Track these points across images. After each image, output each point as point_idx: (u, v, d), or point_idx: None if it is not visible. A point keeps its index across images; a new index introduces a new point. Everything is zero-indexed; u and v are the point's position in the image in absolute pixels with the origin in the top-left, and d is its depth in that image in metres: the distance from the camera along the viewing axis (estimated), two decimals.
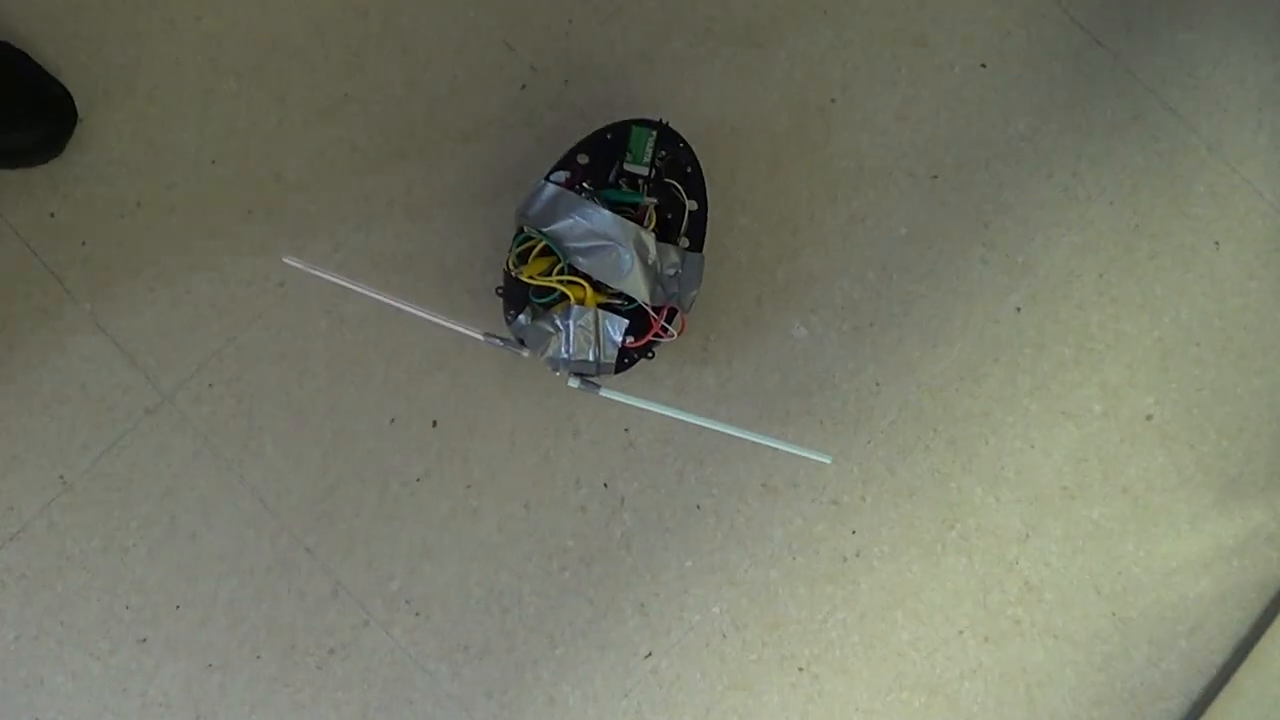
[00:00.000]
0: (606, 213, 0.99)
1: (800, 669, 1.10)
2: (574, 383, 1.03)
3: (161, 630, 1.09)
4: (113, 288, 1.13)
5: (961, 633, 1.12)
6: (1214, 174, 1.21)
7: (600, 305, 1.01)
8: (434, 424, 1.12)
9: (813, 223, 1.17)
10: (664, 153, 1.04)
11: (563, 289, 1.00)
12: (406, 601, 1.09)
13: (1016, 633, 1.12)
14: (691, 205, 1.04)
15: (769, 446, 1.08)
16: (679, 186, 1.04)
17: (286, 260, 1.05)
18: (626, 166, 1.03)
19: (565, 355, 1.00)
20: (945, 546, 1.13)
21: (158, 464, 1.11)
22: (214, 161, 1.16)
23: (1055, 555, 1.14)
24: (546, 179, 1.02)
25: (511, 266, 1.00)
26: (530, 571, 1.10)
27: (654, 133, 1.04)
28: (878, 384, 1.15)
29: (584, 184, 1.01)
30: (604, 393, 1.04)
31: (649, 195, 1.03)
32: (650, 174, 1.03)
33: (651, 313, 1.01)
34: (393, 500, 1.11)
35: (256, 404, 1.12)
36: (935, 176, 1.19)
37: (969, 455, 1.14)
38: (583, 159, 1.04)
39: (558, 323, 1.00)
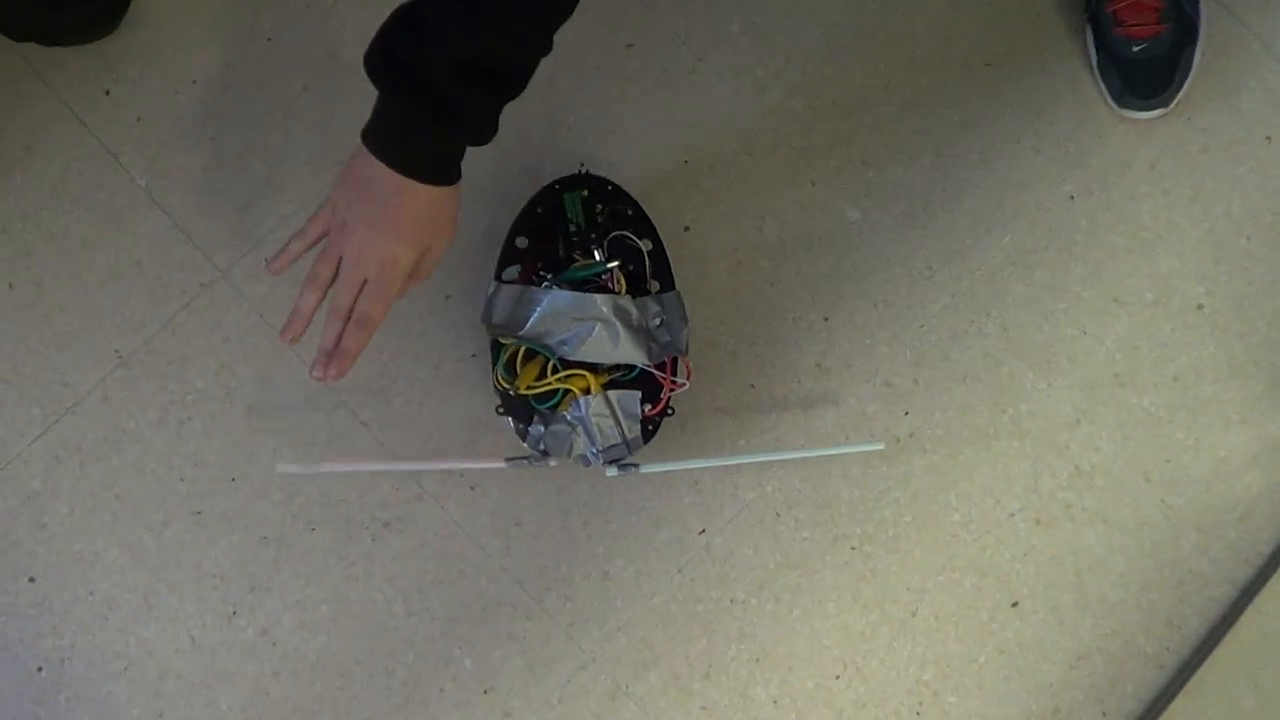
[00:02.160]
0: (573, 294, 0.97)
1: (852, 548, 1.12)
2: (612, 472, 1.00)
3: (216, 503, 1.10)
4: (168, 165, 1.15)
5: (1013, 515, 1.14)
6: (1266, 70, 1.22)
7: (605, 385, 0.98)
8: None
9: (866, 108, 1.19)
10: (600, 205, 1.02)
11: (564, 386, 0.98)
12: (460, 475, 1.11)
13: (1067, 517, 1.14)
14: (646, 245, 1.02)
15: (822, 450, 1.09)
16: (628, 234, 1.02)
17: (281, 468, 1.05)
18: (573, 237, 1.01)
19: (593, 449, 0.98)
20: (997, 430, 1.15)
21: (213, 339, 1.13)
22: (270, 40, 1.17)
23: (1106, 441, 1.15)
24: (499, 278, 0.99)
25: (504, 383, 0.98)
26: (576, 470, 1.11)
27: (584, 191, 1.02)
28: (930, 268, 1.17)
29: (539, 272, 1.00)
30: (645, 469, 1.02)
31: (606, 257, 1.00)
32: (597, 235, 1.01)
33: (657, 373, 0.99)
34: (447, 377, 1.13)
35: None
36: (989, 65, 1.20)
37: (1021, 341, 1.16)
38: (522, 242, 1.02)
39: (571, 420, 0.98)
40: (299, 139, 1.15)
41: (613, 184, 1.03)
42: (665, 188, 1.15)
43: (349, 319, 0.88)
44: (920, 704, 1.09)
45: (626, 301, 0.98)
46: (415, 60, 0.80)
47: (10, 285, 1.12)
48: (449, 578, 1.09)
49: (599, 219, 1.02)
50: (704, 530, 1.10)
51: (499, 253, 1.01)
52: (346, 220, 0.87)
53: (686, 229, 1.15)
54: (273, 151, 1.14)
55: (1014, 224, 1.17)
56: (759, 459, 1.09)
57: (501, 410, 1.00)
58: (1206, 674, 1.12)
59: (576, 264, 1.00)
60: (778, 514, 1.11)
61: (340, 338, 0.89)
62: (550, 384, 0.98)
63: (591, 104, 1.17)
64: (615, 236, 1.02)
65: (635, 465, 1.01)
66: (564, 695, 1.08)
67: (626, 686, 1.08)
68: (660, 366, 0.99)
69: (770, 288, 1.14)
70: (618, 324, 0.97)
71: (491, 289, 0.99)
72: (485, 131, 0.85)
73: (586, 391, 0.97)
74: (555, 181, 1.03)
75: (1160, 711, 1.12)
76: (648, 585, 1.09)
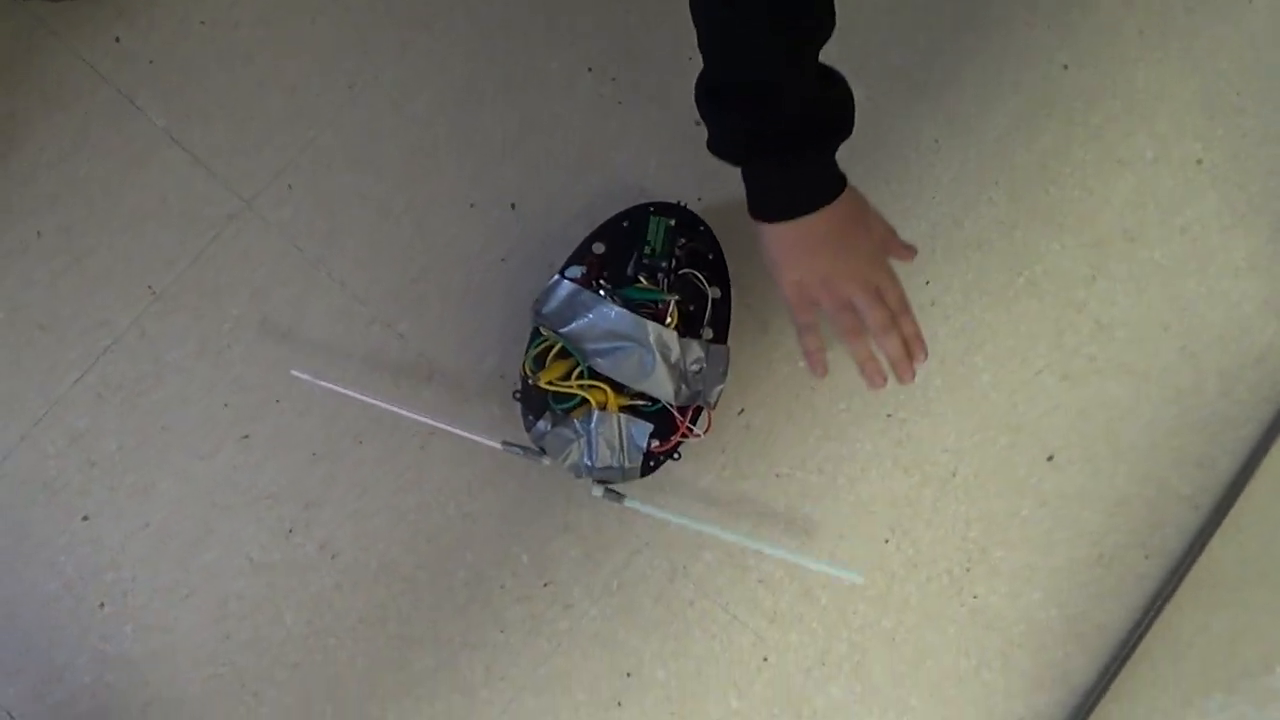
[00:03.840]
0: (626, 312, 0.97)
1: (888, 415, 1.16)
2: (597, 491, 1.00)
3: (263, 425, 1.13)
4: (184, 104, 1.17)
5: (1039, 373, 1.18)
6: None
7: (622, 407, 0.98)
8: (513, 206, 1.17)
9: None
10: (683, 240, 1.01)
11: (583, 394, 0.98)
12: (501, 377, 1.14)
13: (1092, 370, 1.18)
14: (714, 293, 1.01)
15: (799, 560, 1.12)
16: (699, 276, 1.02)
17: (295, 373, 1.05)
18: (645, 259, 1.01)
19: (588, 463, 0.98)
20: (1016, 292, 1.19)
21: (244, 268, 1.15)
22: None
23: (1122, 295, 1.20)
24: (562, 274, 1.00)
25: (529, 372, 0.98)
26: None
27: (672, 221, 1.01)
28: (937, 141, 1.21)
29: (601, 280, 0.99)
30: (629, 503, 1.02)
31: (669, 289, 1.00)
32: (670, 265, 1.01)
33: (677, 414, 0.99)
34: (479, 282, 1.16)
35: (337, 202, 1.16)
36: None
37: (1030, 205, 1.20)
38: (598, 248, 1.02)
39: (578, 428, 0.98)
40: (312, 69, 1.17)
41: (705, 225, 1.03)
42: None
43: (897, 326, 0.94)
44: (969, 560, 1.13)
45: (671, 337, 0.97)
46: (759, 120, 0.86)
47: (39, 233, 1.14)
48: (499, 479, 1.12)
49: (677, 251, 1.01)
50: (742, 410, 1.14)
51: (573, 250, 1.03)
52: (827, 277, 0.93)
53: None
54: (287, 83, 1.17)
55: (1014, 96, 1.21)
56: (744, 541, 1.10)
57: (518, 396, 1.00)
58: (1241, 510, 1.16)
59: (638, 285, 1.00)
60: (813, 387, 1.15)
61: (903, 342, 0.96)
62: (571, 387, 0.98)
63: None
64: (686, 273, 1.01)
65: (620, 496, 1.02)
66: (622, 581, 1.11)
67: (684, 567, 1.11)
68: (684, 410, 0.99)
69: None
70: (657, 355, 0.96)
71: (552, 281, 0.99)
72: (842, 123, 0.91)
73: (603, 406, 0.98)
74: (651, 204, 1.03)
75: (1200, 549, 1.15)
76: (690, 468, 1.12)
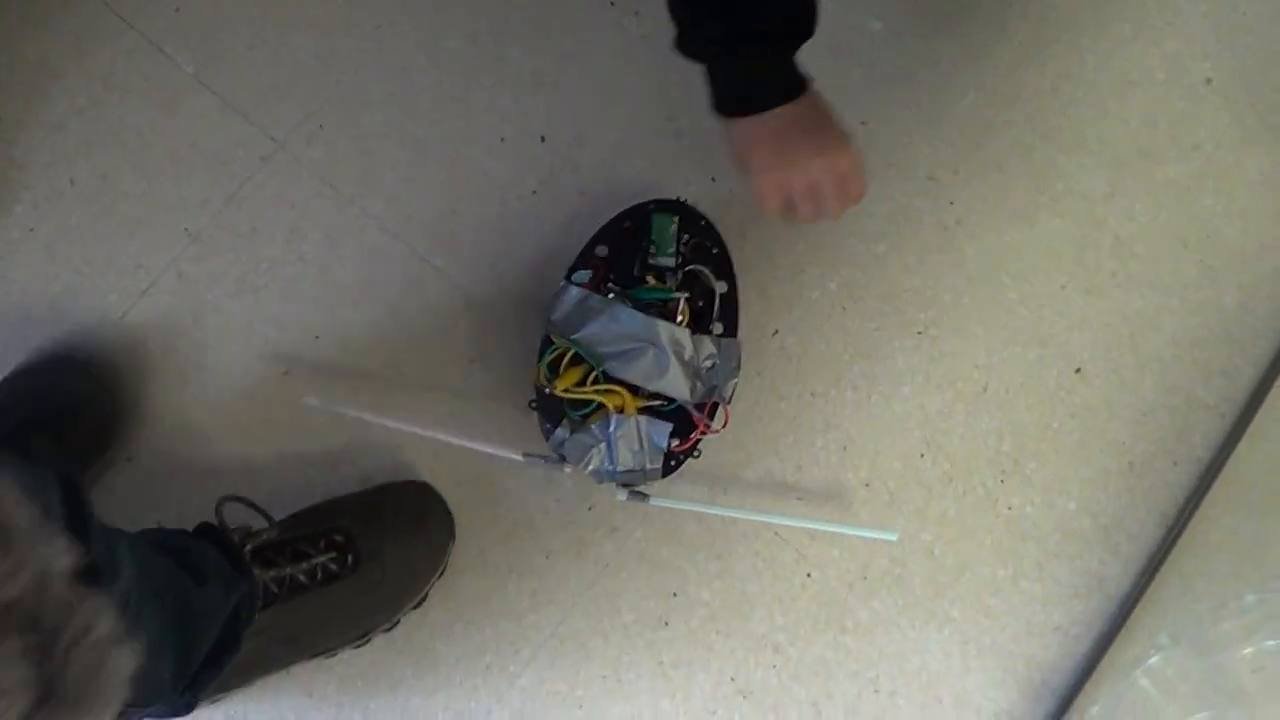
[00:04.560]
0: (637, 314, 0.97)
1: (919, 332, 1.18)
2: (621, 495, 1.01)
3: (304, 359, 1.14)
4: (213, 49, 1.18)
5: (1064, 288, 1.20)
6: None
7: (640, 409, 0.97)
8: (543, 139, 1.19)
9: None
10: (687, 236, 1.01)
11: (600, 399, 0.97)
12: (537, 305, 1.16)
13: (1114, 285, 1.21)
14: (721, 287, 1.01)
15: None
16: (705, 271, 1.01)
17: (307, 401, 1.03)
18: (651, 260, 1.00)
19: (610, 468, 0.97)
20: (1038, 210, 1.22)
21: (279, 208, 1.17)
22: None
23: (1141, 212, 1.23)
24: (568, 279, 1.00)
25: (544, 380, 0.97)
26: None
27: (675, 217, 1.01)
28: (954, 66, 1.24)
29: (609, 282, 0.99)
30: (654, 502, 1.02)
31: (677, 286, 1.00)
32: (676, 263, 1.00)
33: (694, 412, 0.99)
34: (512, 214, 1.18)
35: (369, 140, 1.18)
36: None
37: (1047, 128, 1.23)
38: (602, 251, 1.01)
39: (597, 433, 0.97)
40: (339, 10, 1.19)
41: (706, 220, 1.03)
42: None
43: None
44: (1003, 472, 1.15)
45: (684, 335, 0.97)
46: (730, 18, 0.90)
47: (71, 181, 1.15)
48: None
49: (681, 249, 1.01)
50: (777, 331, 1.16)
51: (577, 253, 1.02)
52: (791, 168, 0.96)
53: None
54: (316, 25, 1.18)
55: (1024, 23, 1.24)
56: (777, 520, 1.12)
57: (534, 405, 0.99)
58: (1265, 417, 1.19)
59: (646, 285, 0.99)
60: (843, 308, 1.17)
61: None
62: (587, 393, 0.97)
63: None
64: (692, 270, 1.01)
65: (645, 496, 1.02)
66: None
67: (724, 488, 1.13)
68: (700, 406, 0.99)
69: None
70: (670, 354, 0.96)
71: (560, 287, 0.99)
72: (809, 23, 0.94)
73: (620, 410, 0.97)
74: (652, 202, 1.02)
75: (1227, 456, 1.18)
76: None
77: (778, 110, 0.93)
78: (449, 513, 1.05)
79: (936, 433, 1.13)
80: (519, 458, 0.98)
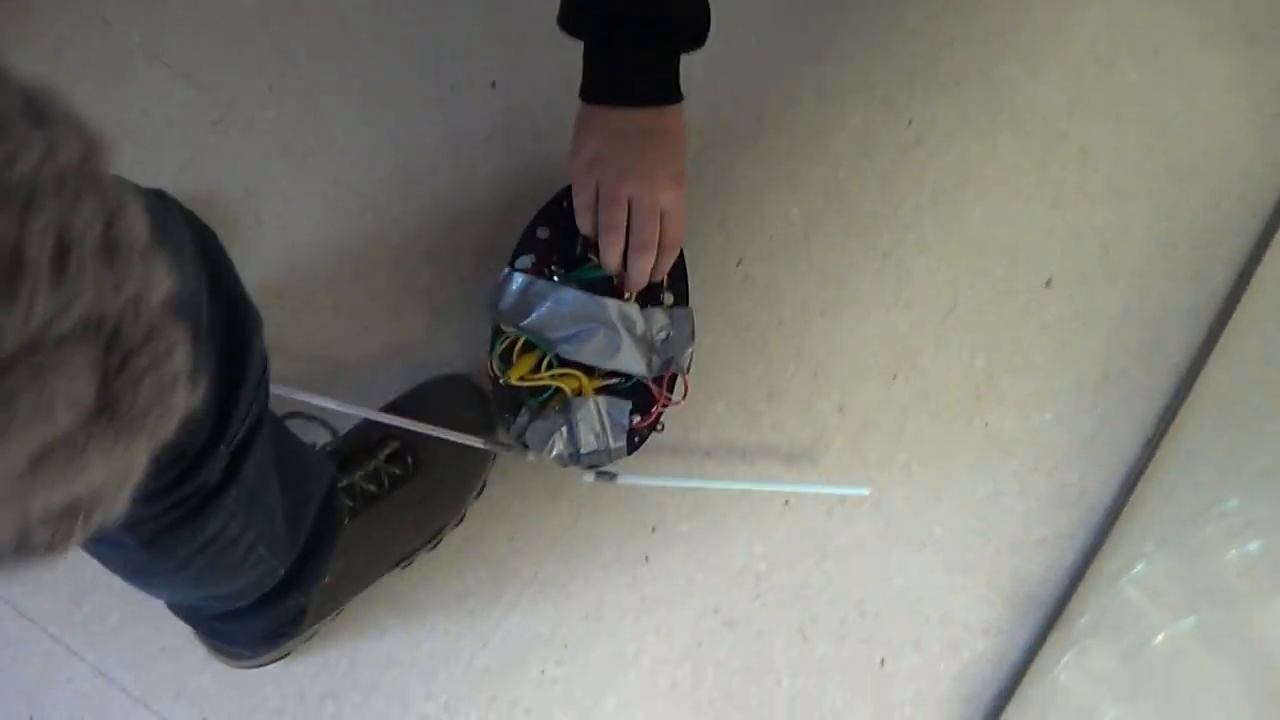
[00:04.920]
0: (582, 294, 0.95)
1: (884, 255, 1.17)
2: (588, 478, 0.99)
3: (269, 321, 1.14)
4: (157, 17, 1.17)
5: (1029, 201, 1.19)
6: None
7: (598, 389, 0.96)
8: (493, 85, 1.18)
9: None
10: None
11: (556, 384, 0.96)
12: (499, 252, 1.15)
13: (1079, 196, 1.19)
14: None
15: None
16: None
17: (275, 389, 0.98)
18: (590, 237, 0.97)
19: (573, 450, 0.95)
20: (998, 126, 1.20)
21: (234, 170, 1.16)
22: None
23: (1102, 120, 1.21)
24: (512, 266, 0.98)
25: (497, 371, 0.96)
26: None
27: None
28: None
29: (552, 266, 0.97)
30: (622, 480, 1.00)
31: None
32: None
33: (653, 386, 0.97)
34: (467, 161, 1.17)
35: (318, 98, 1.17)
36: None
37: (1003, 43, 1.21)
38: (543, 233, 0.99)
39: (558, 418, 0.95)
40: None
41: None
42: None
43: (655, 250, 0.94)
44: (978, 389, 1.14)
45: (633, 310, 0.95)
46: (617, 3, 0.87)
47: None
48: None
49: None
50: (740, 261, 1.15)
51: (518, 238, 1.00)
52: (619, 168, 0.92)
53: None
54: None
55: None
56: (747, 486, 1.10)
57: (491, 396, 0.97)
58: (1239, 321, 1.18)
59: (589, 263, 0.97)
60: (808, 235, 1.16)
61: (654, 270, 0.96)
62: (543, 379, 0.95)
63: None
64: None
65: (612, 475, 0.99)
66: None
67: (696, 422, 1.12)
68: (659, 379, 0.97)
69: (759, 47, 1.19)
70: (621, 331, 0.94)
71: (503, 275, 0.97)
72: (698, 29, 0.91)
73: (578, 392, 0.95)
74: None
75: (1203, 361, 1.17)
76: (697, 322, 1.13)
77: (636, 112, 0.91)
78: (486, 397, 1.04)
79: (908, 353, 1.12)
80: (480, 444, 0.94)
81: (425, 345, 1.10)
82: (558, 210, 0.99)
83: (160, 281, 0.39)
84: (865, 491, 1.08)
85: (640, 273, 0.95)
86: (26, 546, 0.37)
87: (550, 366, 0.95)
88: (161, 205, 0.61)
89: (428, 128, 1.13)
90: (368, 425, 1.01)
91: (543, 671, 1.04)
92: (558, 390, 0.95)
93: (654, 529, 1.08)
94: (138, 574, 0.71)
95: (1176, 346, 1.15)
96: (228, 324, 0.64)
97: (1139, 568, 1.02)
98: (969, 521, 1.09)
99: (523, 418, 0.95)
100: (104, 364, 0.36)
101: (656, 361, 0.96)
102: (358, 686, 1.03)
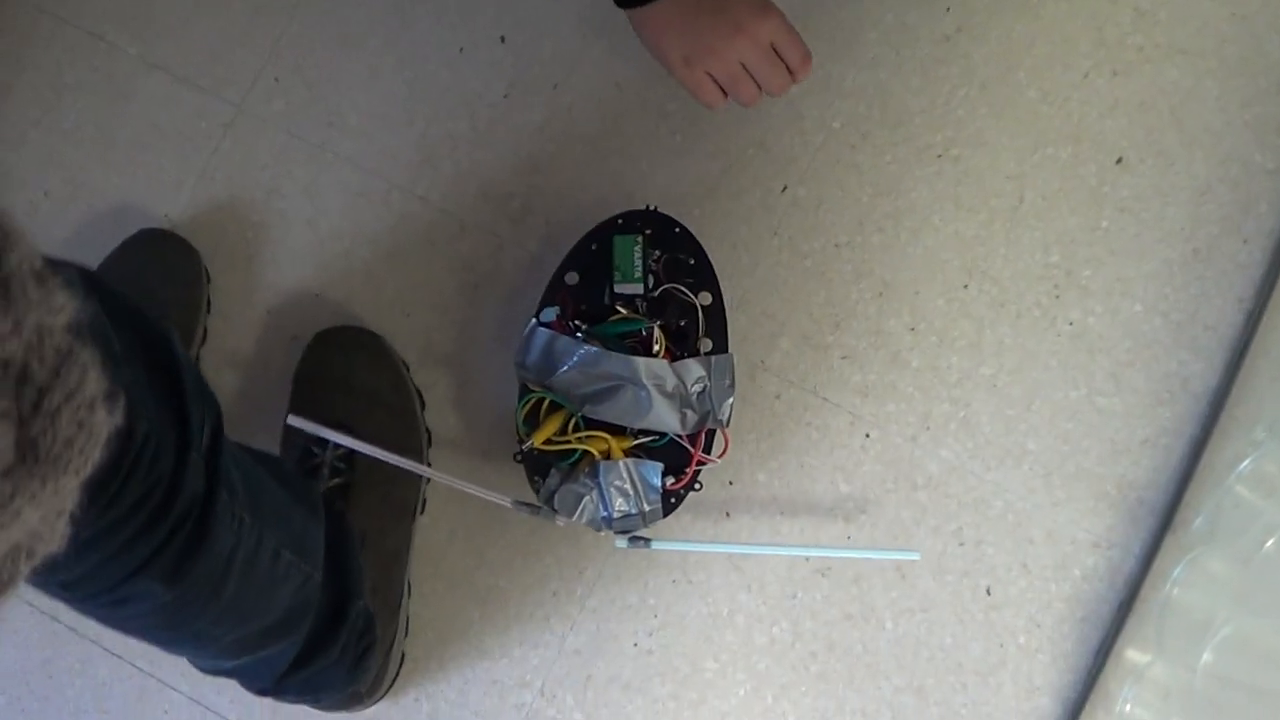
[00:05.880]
0: (607, 353, 0.87)
1: (938, 156, 1.08)
2: (621, 543, 0.92)
3: (308, 321, 1.09)
4: (152, 27, 1.13)
5: (1087, 75, 1.08)
6: None
7: (628, 450, 0.89)
8: (502, 39, 1.11)
9: None
10: (658, 253, 0.92)
11: (582, 447, 0.89)
12: (532, 214, 1.08)
13: (1142, 59, 1.09)
14: (703, 300, 0.91)
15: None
16: (682, 289, 0.92)
17: (291, 421, 0.89)
18: (617, 288, 0.91)
19: (604, 515, 0.88)
20: None
21: (252, 170, 1.11)
22: None
23: None
24: (537, 318, 0.91)
25: (522, 434, 0.90)
26: (641, 147, 1.07)
27: (638, 239, 0.92)
28: None
29: (577, 319, 0.91)
30: (656, 545, 0.93)
31: (650, 312, 0.91)
32: (646, 286, 0.92)
33: (687, 445, 0.90)
34: (485, 124, 1.10)
35: (325, 82, 1.11)
36: None
37: None
38: (572, 278, 0.93)
39: (588, 481, 0.89)
40: None
41: (681, 226, 0.93)
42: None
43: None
44: (1056, 287, 1.05)
45: (662, 367, 0.88)
46: None
47: (46, 193, 1.11)
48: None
49: (652, 267, 0.92)
50: (785, 186, 1.07)
51: (546, 283, 0.94)
52: (711, 48, 0.87)
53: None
54: None
55: None
56: (790, 552, 1.02)
57: (519, 459, 0.91)
58: None
59: (615, 317, 0.91)
60: (853, 146, 1.07)
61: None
62: (569, 443, 0.89)
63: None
64: (668, 289, 0.92)
65: (646, 541, 0.92)
66: None
67: (762, 361, 1.05)
68: (694, 438, 0.90)
69: None
70: (650, 389, 0.87)
71: (528, 330, 0.91)
72: None
73: (606, 455, 0.89)
74: (619, 215, 0.93)
75: None
76: (748, 257, 1.06)
77: None
78: (368, 330, 1.03)
79: (977, 259, 1.04)
80: (508, 504, 0.86)
81: (471, 321, 1.05)
82: (585, 254, 0.92)
83: (62, 306, 0.37)
84: (917, 556, 1.01)
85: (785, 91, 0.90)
86: None
87: (578, 428, 0.88)
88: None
89: (441, 94, 1.07)
90: (291, 430, 0.95)
91: (635, 644, 0.99)
92: (585, 454, 0.89)
93: (730, 482, 1.02)
94: (174, 622, 0.67)
95: (1269, 208, 1.04)
96: (142, 339, 0.61)
97: (1245, 464, 0.93)
98: (1065, 429, 1.01)
99: (552, 480, 0.89)
100: (17, 410, 0.34)
101: (691, 417, 0.89)
102: (450, 683, 1.00)
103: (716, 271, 0.93)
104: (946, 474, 1.01)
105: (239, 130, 1.08)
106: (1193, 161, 1.05)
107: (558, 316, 0.90)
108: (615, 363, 0.87)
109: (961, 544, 1.00)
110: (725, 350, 0.91)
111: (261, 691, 0.83)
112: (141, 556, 0.60)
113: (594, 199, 1.05)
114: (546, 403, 0.90)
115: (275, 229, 1.07)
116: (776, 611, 1.00)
